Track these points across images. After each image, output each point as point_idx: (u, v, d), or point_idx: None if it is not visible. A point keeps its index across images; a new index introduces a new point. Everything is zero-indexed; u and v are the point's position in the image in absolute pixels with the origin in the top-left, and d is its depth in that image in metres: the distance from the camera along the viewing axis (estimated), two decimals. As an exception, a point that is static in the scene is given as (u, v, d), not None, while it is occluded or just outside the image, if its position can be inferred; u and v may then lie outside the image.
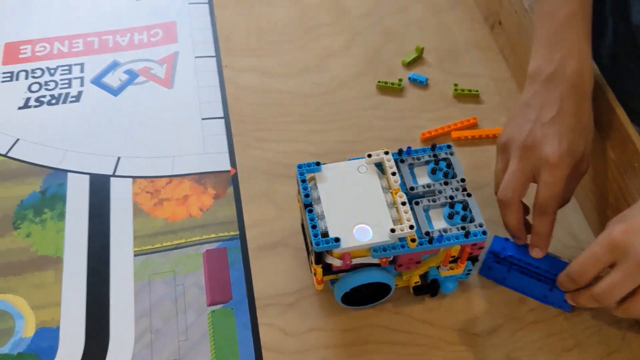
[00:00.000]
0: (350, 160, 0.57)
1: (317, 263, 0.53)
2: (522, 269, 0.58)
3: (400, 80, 0.74)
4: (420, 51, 0.76)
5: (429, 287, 0.58)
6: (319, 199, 0.55)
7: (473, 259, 0.57)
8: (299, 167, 0.56)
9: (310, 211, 0.53)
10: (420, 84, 0.74)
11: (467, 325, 0.58)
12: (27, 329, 0.56)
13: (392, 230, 0.52)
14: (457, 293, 0.59)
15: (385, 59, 0.77)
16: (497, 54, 0.77)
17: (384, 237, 0.52)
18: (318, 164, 0.56)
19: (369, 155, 0.56)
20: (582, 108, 0.55)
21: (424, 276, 0.58)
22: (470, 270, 0.57)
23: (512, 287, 0.60)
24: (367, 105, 0.73)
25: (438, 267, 0.57)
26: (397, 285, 0.58)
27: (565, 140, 0.53)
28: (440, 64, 0.76)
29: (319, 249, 0.52)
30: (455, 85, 0.73)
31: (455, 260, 0.56)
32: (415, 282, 0.58)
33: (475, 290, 0.60)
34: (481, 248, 0.55)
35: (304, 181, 0.55)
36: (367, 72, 0.76)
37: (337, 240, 0.51)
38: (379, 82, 0.74)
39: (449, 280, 0.58)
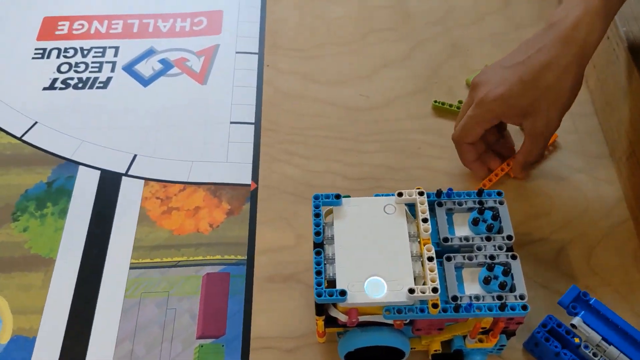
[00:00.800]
0: (377, 195, 0.49)
1: (318, 314, 0.46)
2: (574, 355, 0.48)
3: (460, 102, 0.64)
4: None
5: (451, 358, 0.49)
6: (332, 238, 0.47)
7: (508, 334, 0.48)
8: (315, 197, 0.48)
9: (319, 253, 0.45)
10: (484, 109, 0.64)
11: (492, 409, 0.48)
12: (3, 334, 0.52)
13: (411, 291, 0.43)
14: (486, 367, 0.50)
15: (448, 75, 0.67)
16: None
17: (401, 297, 0.44)
18: (338, 196, 0.48)
19: (400, 194, 0.48)
20: (555, 65, 0.51)
21: (447, 343, 0.49)
22: (503, 345, 0.48)
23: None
24: (418, 128, 0.64)
25: (465, 337, 0.48)
26: (413, 348, 0.49)
27: (503, 87, 0.52)
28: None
29: (321, 301, 0.44)
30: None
31: (486, 332, 0.47)
32: (435, 350, 0.49)
33: (508, 365, 0.50)
34: (519, 323, 0.46)
35: (317, 215, 0.47)
36: (425, 89, 0.66)
37: (343, 293, 0.43)
38: (435, 102, 0.64)
39: (477, 353, 0.49)
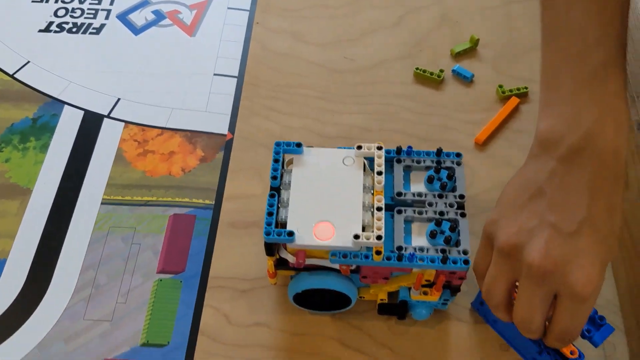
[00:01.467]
0: (338, 148, 0.50)
1: (268, 254, 0.47)
2: None
3: (441, 71, 0.65)
4: (475, 42, 0.67)
5: (396, 309, 0.50)
6: (289, 184, 0.48)
7: (453, 289, 0.49)
8: (277, 144, 0.49)
9: (273, 196, 0.47)
10: (465, 79, 0.65)
11: (432, 361, 0.50)
12: (-25, 254, 0.54)
13: (356, 237, 0.44)
14: (431, 321, 0.51)
15: (434, 45, 0.68)
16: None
17: (347, 242, 0.45)
18: (299, 145, 0.49)
19: (359, 147, 0.49)
20: (616, 202, 0.39)
21: (394, 295, 0.50)
22: (447, 300, 0.49)
23: (502, 334, 0.51)
24: (397, 93, 0.65)
25: (410, 289, 0.49)
26: (362, 297, 0.51)
27: (597, 257, 0.38)
28: (494, 60, 0.67)
29: (269, 240, 0.45)
30: (501, 86, 0.63)
31: (430, 285, 0.48)
32: (381, 299, 0.50)
33: (454, 323, 0.51)
34: (462, 279, 0.47)
35: (277, 161, 0.49)
36: (410, 56, 0.67)
37: (290, 234, 0.45)
38: (417, 69, 0.65)
39: (423, 306, 0.50)
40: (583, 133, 0.39)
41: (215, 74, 0.65)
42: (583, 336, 0.47)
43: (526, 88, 0.63)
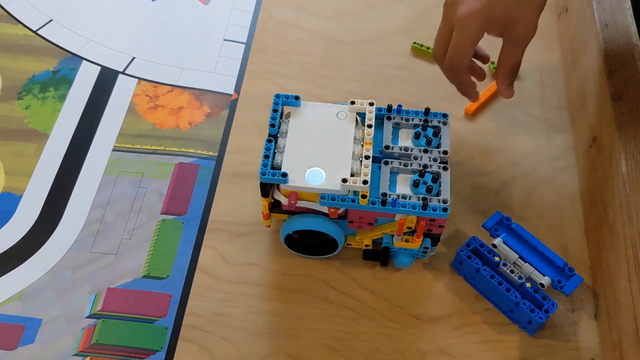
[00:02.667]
0: (334, 104, 0.54)
1: (263, 195, 0.51)
2: (493, 271, 0.52)
3: (437, 46, 0.69)
4: None
5: (379, 255, 0.54)
6: (286, 133, 0.52)
7: (433, 238, 0.53)
8: (277, 96, 0.53)
9: (270, 141, 0.51)
10: (459, 55, 0.69)
11: (410, 305, 0.53)
12: (-6, 190, 0.59)
13: (344, 180, 0.48)
14: (412, 270, 0.55)
15: (432, 22, 0.71)
16: (555, 42, 0.70)
17: (335, 185, 0.49)
18: (297, 98, 0.53)
19: (352, 102, 0.53)
20: None
21: (378, 243, 0.54)
22: (427, 248, 0.53)
23: (480, 291, 0.54)
24: (395, 64, 0.69)
25: (393, 236, 0.53)
26: (349, 244, 0.55)
27: (479, 2, 0.51)
28: (489, 39, 0.70)
29: (264, 180, 0.49)
30: (492, 62, 0.67)
31: (411, 233, 0.52)
32: (366, 245, 0.54)
33: (433, 273, 0.55)
34: (441, 227, 0.51)
35: (275, 111, 0.53)
36: (408, 31, 0.71)
37: (284, 175, 0.49)
38: (415, 43, 0.69)
39: (404, 254, 0.54)
40: None
41: (225, 40, 0.70)
42: (555, 287, 0.51)
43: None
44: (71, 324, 0.52)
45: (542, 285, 0.51)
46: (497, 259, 0.53)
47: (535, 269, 0.52)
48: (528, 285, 0.51)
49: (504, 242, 0.52)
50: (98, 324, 0.52)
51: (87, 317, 0.52)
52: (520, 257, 0.52)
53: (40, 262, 0.55)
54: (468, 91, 0.57)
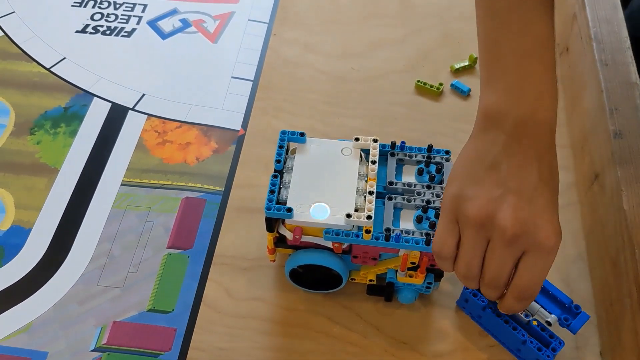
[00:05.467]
0: (339, 140, 0.55)
1: (268, 230, 0.52)
2: (497, 310, 0.52)
3: (440, 84, 0.70)
4: (474, 61, 0.72)
5: (383, 290, 0.54)
6: (291, 168, 0.53)
7: (437, 274, 0.53)
8: (282, 133, 0.54)
9: (276, 177, 0.52)
10: (462, 93, 0.70)
11: (415, 341, 0.53)
12: (4, 222, 0.60)
13: (348, 216, 0.49)
14: (417, 306, 0.55)
15: (435, 61, 0.74)
16: (557, 82, 0.71)
17: (339, 220, 0.50)
18: (303, 134, 0.54)
19: (357, 139, 0.54)
20: (554, 164, 0.45)
21: (383, 278, 0.54)
22: (431, 283, 0.53)
23: (487, 329, 0.54)
24: (399, 102, 0.70)
25: (397, 271, 0.53)
26: (353, 279, 0.55)
27: (555, 214, 0.44)
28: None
29: (269, 215, 0.50)
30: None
31: (415, 268, 0.52)
32: (370, 280, 0.54)
33: (438, 309, 0.55)
34: (444, 262, 0.51)
35: (281, 147, 0.54)
36: (412, 70, 0.73)
37: (289, 210, 0.50)
38: (418, 81, 0.71)
39: (408, 290, 0.54)
40: (527, 108, 0.44)
41: (233, 77, 0.71)
42: (562, 325, 0.51)
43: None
44: (76, 357, 0.52)
45: (549, 323, 0.51)
46: None
47: (542, 306, 0.52)
48: (535, 323, 0.51)
49: None
50: (103, 358, 0.52)
51: (92, 351, 0.52)
52: None
53: (48, 295, 0.55)
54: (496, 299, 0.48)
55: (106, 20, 0.76)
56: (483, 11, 0.48)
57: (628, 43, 0.64)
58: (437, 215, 0.51)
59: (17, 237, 0.59)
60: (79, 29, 0.75)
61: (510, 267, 0.44)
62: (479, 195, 0.44)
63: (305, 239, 0.51)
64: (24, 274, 0.57)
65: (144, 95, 0.69)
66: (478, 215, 0.43)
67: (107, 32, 0.75)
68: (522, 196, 0.43)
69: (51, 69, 0.72)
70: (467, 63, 0.72)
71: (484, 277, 0.45)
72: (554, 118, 0.45)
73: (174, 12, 0.78)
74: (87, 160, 0.64)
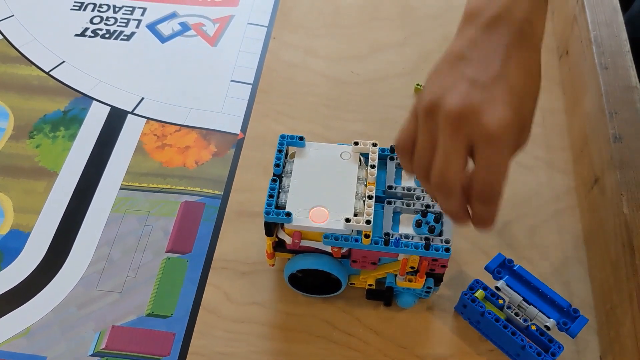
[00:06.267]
0: (338, 144, 0.55)
1: (267, 234, 0.52)
2: (497, 314, 0.52)
3: (440, 87, 0.70)
4: None
5: (382, 294, 0.54)
6: (290, 172, 0.53)
7: (436, 278, 0.53)
8: (282, 137, 0.54)
9: (275, 181, 0.52)
10: (462, 96, 0.70)
11: (414, 346, 0.53)
12: (3, 226, 0.60)
13: (347, 220, 0.49)
14: (416, 310, 0.55)
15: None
16: (557, 85, 0.71)
17: (338, 225, 0.50)
18: (302, 138, 0.54)
19: (356, 143, 0.54)
20: (530, 63, 0.43)
21: (382, 282, 0.54)
22: (430, 287, 0.53)
23: (485, 334, 0.54)
24: (399, 105, 0.70)
25: (396, 276, 0.53)
26: (353, 284, 0.55)
27: (510, 105, 0.40)
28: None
29: (268, 219, 0.50)
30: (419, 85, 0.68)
31: (414, 273, 0.52)
32: (369, 285, 0.54)
33: (437, 313, 0.55)
34: (444, 266, 0.51)
35: (280, 151, 0.54)
36: (412, 73, 0.73)
37: (288, 214, 0.49)
38: (418, 85, 0.70)
39: (408, 294, 0.54)
40: (502, 5, 0.42)
41: (232, 80, 0.71)
42: (561, 329, 0.50)
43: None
44: (75, 362, 0.52)
45: (548, 327, 0.51)
46: (500, 301, 0.53)
47: (540, 311, 0.52)
48: (533, 327, 0.51)
49: (507, 285, 0.52)
50: (102, 362, 0.52)
51: (91, 355, 0.52)
52: (524, 300, 0.52)
53: (47, 299, 0.55)
54: (462, 217, 0.43)
55: (105, 24, 0.76)
56: None
57: (628, 46, 0.64)
58: (435, 220, 0.51)
59: (16, 241, 0.59)
60: (78, 33, 0.75)
61: (457, 160, 0.41)
62: (435, 85, 0.42)
63: (305, 243, 0.51)
64: (23, 278, 0.56)
65: (143, 98, 0.69)
66: (428, 103, 0.41)
67: (107, 35, 0.75)
68: (475, 83, 0.41)
69: (50, 73, 0.71)
70: None
71: (432, 175, 0.42)
72: (535, 18, 0.43)
73: (173, 15, 0.78)
74: (86, 164, 0.64)
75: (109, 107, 0.69)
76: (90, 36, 0.75)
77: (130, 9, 0.78)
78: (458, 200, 0.42)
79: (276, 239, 0.52)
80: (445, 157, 0.41)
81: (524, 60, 0.42)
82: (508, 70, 0.41)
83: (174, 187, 0.62)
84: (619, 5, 0.68)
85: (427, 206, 0.52)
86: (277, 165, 0.53)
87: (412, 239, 0.50)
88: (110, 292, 0.56)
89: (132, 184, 0.63)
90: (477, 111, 0.40)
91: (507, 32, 0.42)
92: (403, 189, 0.53)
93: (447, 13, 0.79)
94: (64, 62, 0.72)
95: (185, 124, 0.67)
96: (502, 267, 0.53)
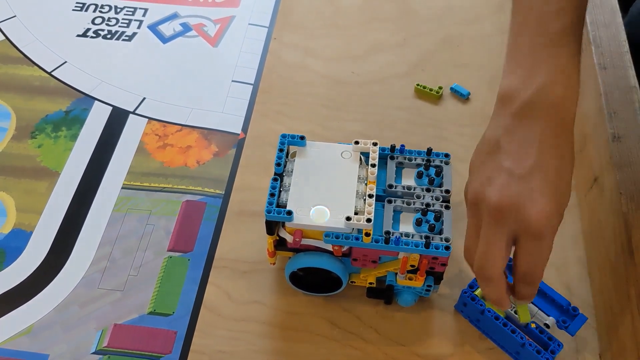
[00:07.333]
0: (338, 144, 0.56)
1: (268, 233, 0.52)
2: (496, 313, 0.53)
3: (440, 88, 0.70)
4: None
5: (383, 292, 0.55)
6: (291, 171, 0.53)
7: (436, 276, 0.53)
8: (282, 136, 0.55)
9: (276, 180, 0.52)
10: (461, 96, 0.70)
11: (414, 344, 0.53)
12: (5, 226, 0.60)
13: (348, 219, 0.49)
14: (416, 309, 0.55)
15: (434, 65, 0.74)
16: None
17: (339, 223, 0.50)
18: (303, 138, 0.55)
19: (356, 142, 0.54)
20: (564, 147, 0.44)
21: (382, 281, 0.55)
22: (430, 286, 0.53)
23: (485, 332, 0.54)
24: (398, 106, 0.70)
25: (396, 274, 0.53)
26: (353, 282, 0.55)
27: (549, 197, 0.42)
28: (489, 81, 0.72)
29: (269, 218, 0.50)
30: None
31: (414, 271, 0.53)
32: (370, 283, 0.55)
33: (437, 312, 0.55)
34: (444, 265, 0.51)
35: (281, 150, 0.54)
36: (411, 74, 0.73)
37: (289, 213, 0.50)
38: (418, 85, 0.71)
39: (408, 292, 0.54)
40: (535, 89, 0.43)
41: (233, 81, 0.72)
42: (560, 327, 0.51)
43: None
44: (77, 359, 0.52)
45: (547, 325, 0.51)
46: None
47: (539, 309, 0.52)
48: (533, 325, 0.51)
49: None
50: (103, 361, 0.52)
51: (93, 353, 0.53)
52: None
53: (49, 297, 0.56)
54: (503, 303, 0.46)
55: (107, 24, 0.77)
56: (512, 5, 0.48)
57: (626, 47, 0.64)
58: (436, 218, 0.51)
59: (18, 240, 0.59)
60: (80, 33, 0.76)
61: (498, 250, 0.43)
62: (477, 178, 0.44)
63: (305, 241, 0.51)
64: (25, 277, 0.57)
65: (144, 98, 0.70)
66: (472, 195, 0.44)
67: (108, 36, 0.76)
68: (513, 175, 0.42)
69: (52, 73, 0.72)
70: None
71: (475, 262, 0.44)
72: (568, 103, 0.43)
73: (174, 16, 0.78)
74: (87, 164, 0.64)
75: (111, 107, 0.69)
76: (92, 37, 0.75)
77: (132, 9, 0.78)
78: (498, 287, 0.44)
79: (277, 238, 0.53)
80: (487, 247, 0.43)
81: (557, 146, 0.43)
82: (543, 159, 0.43)
83: (175, 187, 0.63)
84: (617, 6, 0.69)
85: (427, 205, 0.52)
86: (278, 165, 0.53)
87: (412, 238, 0.50)
88: (112, 291, 0.56)
89: (134, 184, 0.63)
90: (517, 204, 0.42)
91: (541, 121, 0.43)
92: (403, 187, 0.53)
93: (447, 15, 0.79)
94: (65, 62, 0.73)
95: (186, 123, 0.68)
96: None
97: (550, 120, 0.43)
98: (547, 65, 0.44)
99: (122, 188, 0.63)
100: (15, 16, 0.77)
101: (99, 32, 0.76)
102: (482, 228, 0.44)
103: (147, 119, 0.68)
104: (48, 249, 0.58)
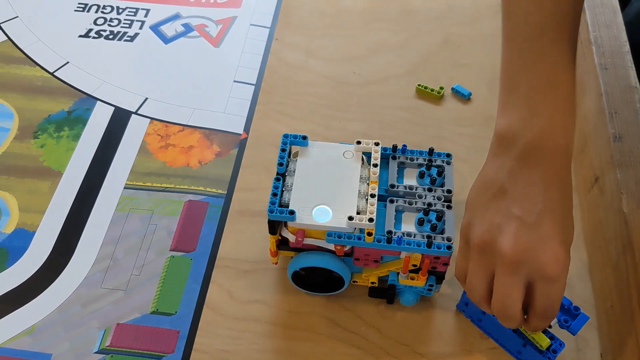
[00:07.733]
0: (340, 144, 0.56)
1: (271, 233, 0.52)
2: None
3: (441, 88, 0.71)
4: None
5: (385, 292, 0.55)
6: (294, 171, 0.54)
7: (438, 276, 0.53)
8: (285, 136, 0.55)
9: (278, 179, 0.52)
10: (462, 97, 0.71)
11: (416, 343, 0.54)
12: (8, 225, 0.60)
13: (350, 218, 0.50)
14: (418, 308, 0.55)
15: (435, 65, 0.74)
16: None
17: (341, 223, 0.50)
18: (305, 138, 0.55)
19: (358, 142, 0.55)
20: (567, 189, 0.45)
21: (384, 280, 0.55)
22: (432, 285, 0.53)
23: (487, 332, 0.54)
24: (399, 106, 0.70)
25: (398, 274, 0.53)
26: (355, 282, 0.55)
27: (560, 240, 0.43)
28: (490, 81, 0.72)
29: (272, 217, 0.51)
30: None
31: (416, 271, 0.53)
32: (372, 283, 0.55)
33: (438, 312, 0.55)
34: (446, 264, 0.51)
35: (283, 150, 0.54)
36: (412, 74, 0.73)
37: (292, 213, 0.50)
38: (419, 85, 0.71)
39: (410, 292, 0.54)
40: (536, 133, 0.44)
41: (235, 81, 0.72)
42: (561, 326, 0.51)
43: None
44: (80, 359, 0.52)
45: (549, 325, 0.51)
46: None
47: None
48: None
49: None
50: (106, 360, 0.53)
51: (95, 353, 0.53)
52: None
53: (51, 297, 0.56)
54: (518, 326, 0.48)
55: (109, 25, 0.77)
56: (505, 39, 0.49)
57: (627, 47, 0.65)
58: (437, 218, 0.51)
59: (21, 240, 0.59)
60: (82, 34, 0.76)
61: (517, 296, 0.44)
62: (483, 222, 0.45)
63: (308, 241, 0.52)
64: (28, 277, 0.57)
65: (146, 99, 0.70)
66: (479, 242, 0.45)
67: (110, 36, 0.76)
68: (524, 223, 0.43)
69: (54, 73, 0.72)
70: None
71: (492, 305, 0.46)
72: (566, 145, 0.44)
73: (176, 16, 0.78)
74: (90, 164, 0.64)
75: (113, 108, 0.69)
76: (94, 37, 0.76)
77: (134, 10, 0.79)
78: (518, 321, 0.46)
79: (279, 237, 0.53)
80: (505, 292, 0.45)
81: (561, 188, 0.44)
82: (550, 204, 0.44)
83: (177, 187, 0.63)
84: (618, 6, 0.69)
85: (429, 205, 0.52)
86: (280, 164, 0.53)
87: (414, 237, 0.50)
88: (114, 291, 0.56)
89: (136, 184, 0.63)
90: (531, 253, 0.43)
91: (545, 164, 0.44)
92: (405, 187, 0.54)
93: (448, 16, 0.79)
94: (68, 62, 0.73)
95: (188, 124, 0.68)
96: None
97: (553, 162, 0.44)
98: (545, 108, 0.44)
99: (125, 188, 0.63)
100: (17, 17, 0.78)
101: (101, 32, 0.76)
102: (496, 275, 0.45)
103: (149, 119, 0.68)
104: (51, 249, 0.59)
